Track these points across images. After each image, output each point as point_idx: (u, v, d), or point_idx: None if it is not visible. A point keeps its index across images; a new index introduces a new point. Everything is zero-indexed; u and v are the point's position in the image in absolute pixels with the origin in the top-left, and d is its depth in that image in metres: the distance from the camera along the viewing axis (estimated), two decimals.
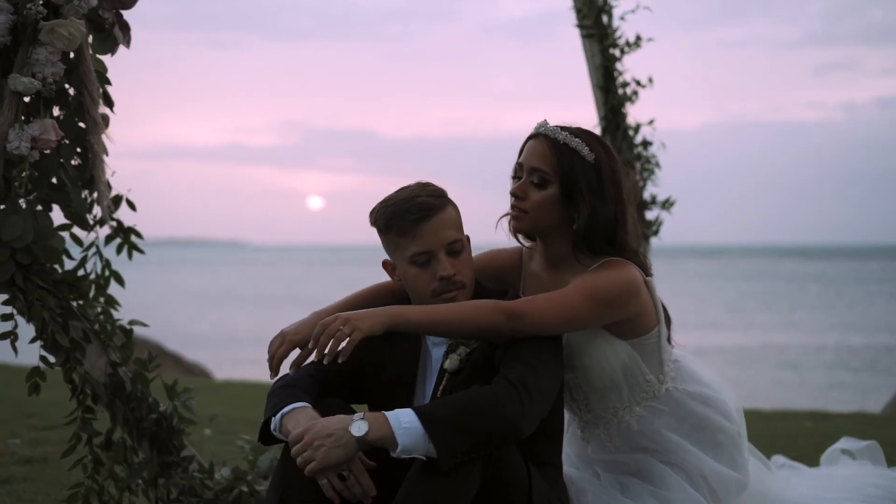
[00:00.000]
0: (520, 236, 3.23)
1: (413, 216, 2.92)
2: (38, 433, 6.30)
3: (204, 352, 21.25)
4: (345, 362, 2.95)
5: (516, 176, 3.12)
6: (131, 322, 3.88)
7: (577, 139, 3.03)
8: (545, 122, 3.10)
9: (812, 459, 4.54)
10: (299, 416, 2.80)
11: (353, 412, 2.83)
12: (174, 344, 15.85)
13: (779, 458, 4.39)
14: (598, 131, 5.53)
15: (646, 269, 3.05)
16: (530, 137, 3.09)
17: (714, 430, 3.23)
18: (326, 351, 2.77)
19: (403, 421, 2.64)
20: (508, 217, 3.16)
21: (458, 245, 2.96)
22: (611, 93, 5.37)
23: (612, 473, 3.23)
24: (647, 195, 5.60)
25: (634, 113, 5.45)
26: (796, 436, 6.63)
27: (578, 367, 3.11)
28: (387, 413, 2.67)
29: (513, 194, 3.07)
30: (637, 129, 5.48)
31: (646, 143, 5.48)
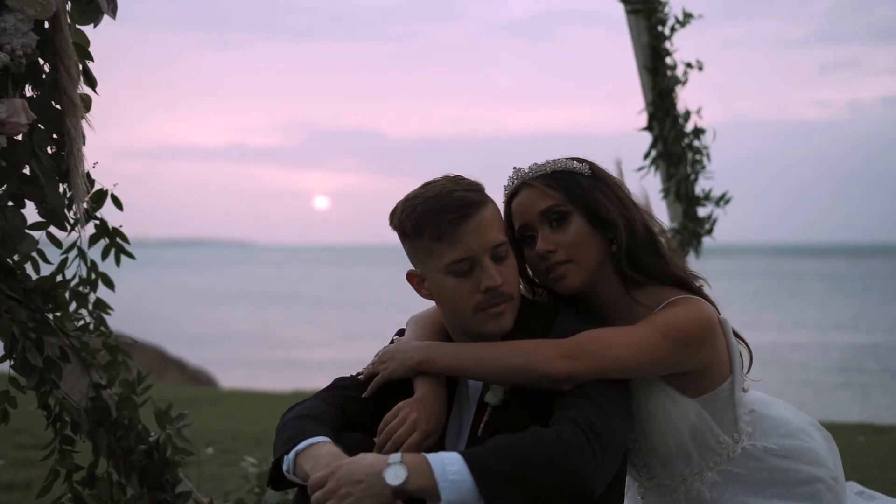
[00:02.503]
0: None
1: (451, 215, 2.55)
2: (25, 452, 5.89)
3: (210, 354, 21.01)
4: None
5: (521, 240, 2.76)
6: (118, 337, 3.39)
7: (560, 161, 2.76)
8: (519, 169, 2.79)
9: (878, 482, 4.21)
10: (319, 455, 2.40)
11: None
12: (178, 349, 15.47)
13: (854, 485, 3.88)
14: (643, 118, 5.05)
15: (715, 306, 2.75)
16: (514, 193, 2.78)
17: (806, 484, 2.88)
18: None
19: (450, 470, 2.26)
20: (541, 290, 2.85)
21: (504, 249, 2.62)
22: (659, 75, 4.85)
23: None
24: (698, 190, 5.04)
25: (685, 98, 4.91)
26: (853, 454, 6.11)
27: (638, 431, 2.80)
28: (429, 456, 2.29)
29: (541, 255, 2.71)
30: (687, 116, 4.94)
31: (698, 132, 4.93)
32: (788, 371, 21.06)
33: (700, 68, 5.00)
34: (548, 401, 2.51)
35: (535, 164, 2.78)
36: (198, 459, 5.69)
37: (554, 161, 2.77)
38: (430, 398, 2.58)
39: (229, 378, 15.19)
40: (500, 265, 2.60)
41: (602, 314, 2.79)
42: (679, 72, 5.00)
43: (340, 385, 2.73)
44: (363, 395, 2.63)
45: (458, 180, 2.64)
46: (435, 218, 2.56)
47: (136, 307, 37.41)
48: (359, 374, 2.75)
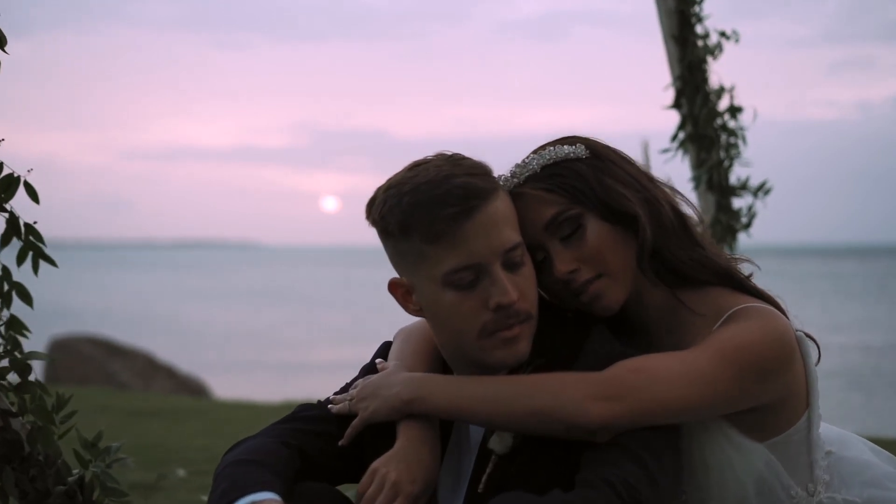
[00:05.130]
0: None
1: (450, 209, 2.06)
2: None
3: (207, 359, 20.71)
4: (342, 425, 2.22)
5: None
6: (29, 354, 2.80)
7: (549, 151, 2.28)
8: (506, 176, 2.27)
9: None
10: None
11: (348, 502, 2.14)
12: (172, 354, 15.09)
13: None
14: (670, 94, 4.42)
15: (786, 314, 2.28)
16: (513, 196, 2.24)
17: None
18: None
19: None
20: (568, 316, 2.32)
21: (520, 254, 2.13)
22: (689, 44, 4.23)
23: None
24: (734, 179, 4.42)
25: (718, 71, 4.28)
26: None
27: (687, 484, 2.32)
28: None
29: (563, 280, 2.22)
30: (721, 92, 4.30)
31: (734, 110, 4.30)
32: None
33: (736, 40, 4.36)
34: (571, 450, 2.06)
35: (518, 164, 2.28)
36: (171, 484, 5.40)
37: (540, 153, 2.29)
38: (415, 449, 2.11)
39: (224, 385, 14.80)
40: (515, 274, 2.11)
41: (647, 330, 2.33)
42: (711, 42, 4.37)
43: (303, 416, 2.25)
44: (339, 444, 2.18)
45: (457, 161, 2.13)
46: (429, 213, 2.06)
47: (130, 311, 37.42)
48: (328, 401, 2.28)
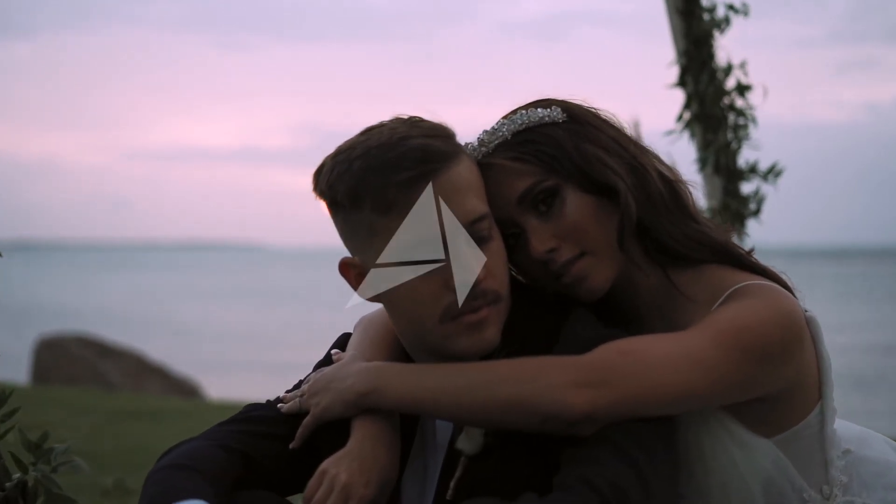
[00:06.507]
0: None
1: (405, 173, 1.87)
2: None
3: (204, 359, 20.61)
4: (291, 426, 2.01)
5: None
6: None
7: (521, 115, 2.06)
8: (473, 144, 2.04)
9: None
10: None
11: None
12: (167, 355, 14.94)
13: None
14: (674, 71, 4.17)
15: (793, 293, 2.06)
16: (482, 168, 2.01)
17: None
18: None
19: None
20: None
21: (486, 226, 1.93)
22: (694, 18, 3.98)
23: None
24: (742, 162, 4.17)
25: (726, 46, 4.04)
26: None
27: (686, 486, 2.09)
28: None
29: (541, 260, 2.00)
30: (729, 69, 4.04)
31: (742, 88, 4.04)
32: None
33: (746, 13, 4.10)
34: (550, 447, 1.85)
35: (486, 130, 2.07)
36: (139, 487, 5.04)
37: (511, 118, 2.07)
38: (370, 447, 1.90)
39: (218, 386, 14.67)
40: (482, 250, 1.92)
41: (638, 316, 2.11)
42: (718, 15, 4.13)
43: (249, 416, 2.04)
44: (291, 447, 1.98)
45: (415, 123, 1.93)
46: (381, 178, 1.87)
47: (127, 311, 37.58)
48: (279, 399, 2.07)
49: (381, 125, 1.94)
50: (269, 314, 40.42)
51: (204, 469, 1.88)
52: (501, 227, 2.01)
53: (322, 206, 2.02)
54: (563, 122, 2.05)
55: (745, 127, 4.19)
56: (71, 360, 11.44)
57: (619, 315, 2.13)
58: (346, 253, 2.01)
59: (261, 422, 2.02)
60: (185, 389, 12.20)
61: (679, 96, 4.22)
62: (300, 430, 1.98)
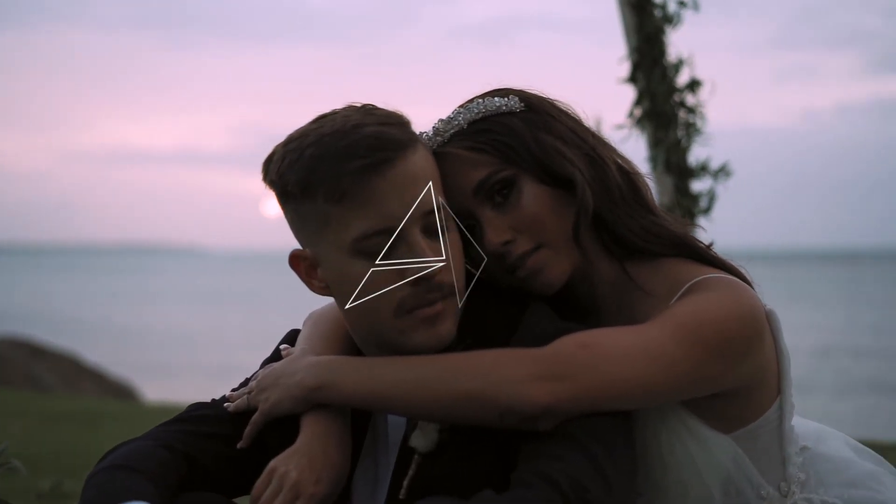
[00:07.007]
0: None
1: (359, 161, 1.83)
2: None
3: (139, 361, 20.40)
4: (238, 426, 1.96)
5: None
6: None
7: (477, 104, 2.04)
8: (428, 133, 2.02)
9: None
10: None
11: None
12: (102, 357, 14.68)
13: None
14: (625, 68, 4.13)
15: (752, 286, 2.07)
16: (437, 157, 1.98)
17: None
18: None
19: None
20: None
21: (441, 217, 1.91)
22: (646, 13, 3.92)
23: None
24: (692, 160, 4.12)
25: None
26: None
27: (644, 483, 2.08)
28: None
29: (496, 253, 1.98)
30: (679, 65, 4.00)
31: (693, 85, 4.01)
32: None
33: (696, 8, 4.07)
34: (507, 443, 1.84)
35: (442, 119, 2.05)
36: (76, 491, 4.89)
37: (467, 106, 2.05)
38: (321, 444, 1.86)
39: (156, 389, 14.47)
40: (437, 241, 1.89)
41: (595, 310, 2.09)
42: (670, 10, 4.10)
43: (193, 416, 2.01)
44: (238, 446, 1.94)
45: (369, 111, 1.91)
46: (334, 167, 1.83)
47: (64, 314, 37.14)
48: (225, 398, 2.03)
49: (335, 113, 1.91)
50: (208, 317, 40.09)
51: (146, 469, 1.84)
52: (457, 218, 1.97)
53: (271, 197, 1.97)
54: (521, 111, 2.03)
55: (696, 125, 4.19)
56: (1, 362, 11.19)
57: (576, 309, 2.12)
58: (291, 248, 1.98)
59: (205, 421, 1.98)
60: (121, 391, 12.02)
61: (629, 97, 4.20)
62: (248, 427, 1.93)
